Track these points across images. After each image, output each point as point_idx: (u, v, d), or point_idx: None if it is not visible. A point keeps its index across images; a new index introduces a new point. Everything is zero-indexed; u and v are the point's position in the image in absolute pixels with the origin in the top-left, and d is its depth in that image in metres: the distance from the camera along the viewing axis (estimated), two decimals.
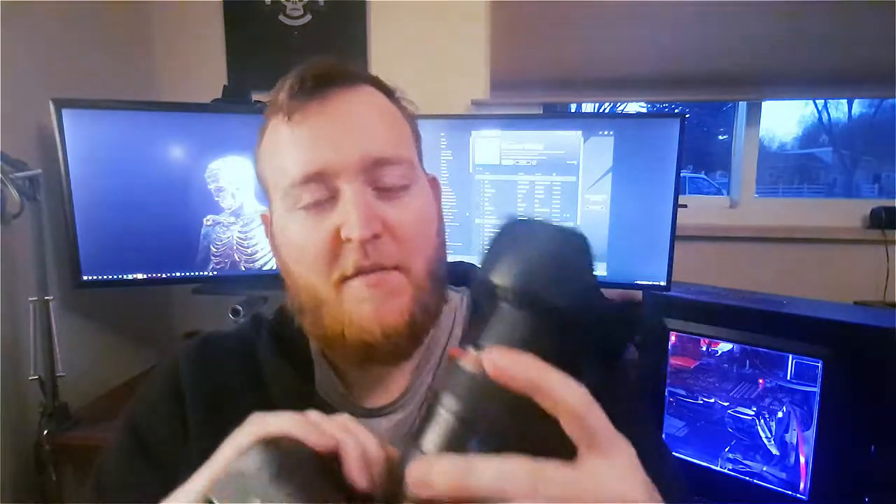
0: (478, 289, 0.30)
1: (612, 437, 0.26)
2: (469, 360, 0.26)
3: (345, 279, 0.45)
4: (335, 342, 0.46)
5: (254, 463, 0.27)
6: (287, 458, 0.28)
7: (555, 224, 0.28)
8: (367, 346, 0.45)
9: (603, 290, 0.28)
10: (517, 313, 0.27)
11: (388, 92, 0.52)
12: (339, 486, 0.28)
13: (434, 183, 0.54)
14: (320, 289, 0.46)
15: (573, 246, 0.27)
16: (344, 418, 0.33)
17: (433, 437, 0.26)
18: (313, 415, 0.33)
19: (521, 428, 0.25)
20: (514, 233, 0.29)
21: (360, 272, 0.44)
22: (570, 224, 0.25)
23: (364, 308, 0.44)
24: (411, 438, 0.27)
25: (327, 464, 0.29)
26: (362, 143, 0.45)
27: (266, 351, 0.52)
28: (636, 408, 0.54)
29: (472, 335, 0.28)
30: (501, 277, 0.27)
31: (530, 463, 0.24)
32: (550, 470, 0.24)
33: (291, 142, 0.46)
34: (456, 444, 0.25)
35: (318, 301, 0.46)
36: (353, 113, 0.47)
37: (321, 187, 0.45)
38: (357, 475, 0.29)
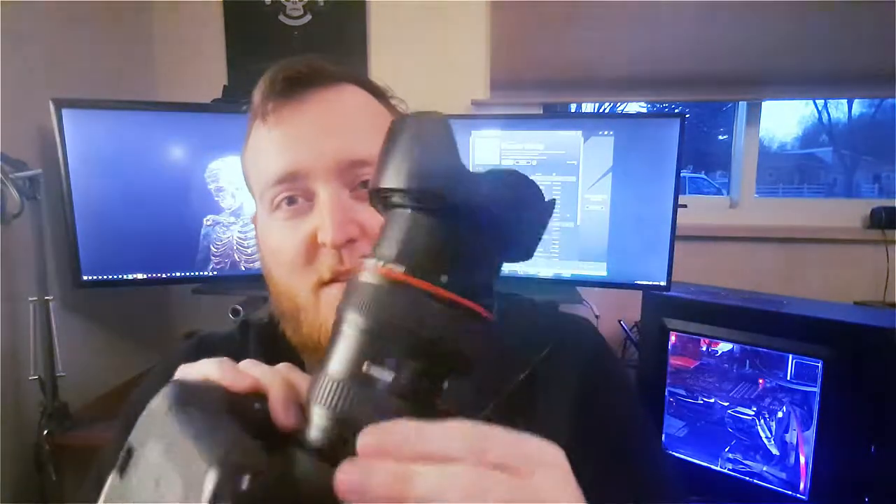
0: (372, 202, 0.29)
1: (524, 458, 0.23)
2: (367, 271, 0.25)
3: (323, 285, 0.44)
4: (314, 350, 0.45)
5: (158, 400, 0.26)
6: (188, 393, 0.27)
7: (421, 118, 0.27)
8: None
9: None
10: (408, 212, 0.26)
11: (378, 92, 0.51)
12: (258, 425, 0.26)
13: None
14: (299, 294, 0.45)
15: (439, 133, 0.26)
16: (283, 365, 0.31)
17: (338, 356, 0.25)
18: (246, 362, 0.31)
19: (425, 328, 0.24)
20: (389, 139, 0.28)
21: (337, 278, 0.43)
22: (432, 113, 0.25)
23: None
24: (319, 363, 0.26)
25: (244, 404, 0.27)
26: (339, 144, 0.44)
27: (254, 357, 0.52)
28: (632, 410, 0.53)
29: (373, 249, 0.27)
30: (387, 181, 0.26)
31: (479, 428, 0.23)
32: (494, 435, 0.23)
33: (268, 143, 0.46)
34: (361, 356, 0.24)
35: (296, 307, 0.46)
36: (330, 113, 0.46)
37: (296, 188, 0.44)
38: (281, 412, 0.27)
